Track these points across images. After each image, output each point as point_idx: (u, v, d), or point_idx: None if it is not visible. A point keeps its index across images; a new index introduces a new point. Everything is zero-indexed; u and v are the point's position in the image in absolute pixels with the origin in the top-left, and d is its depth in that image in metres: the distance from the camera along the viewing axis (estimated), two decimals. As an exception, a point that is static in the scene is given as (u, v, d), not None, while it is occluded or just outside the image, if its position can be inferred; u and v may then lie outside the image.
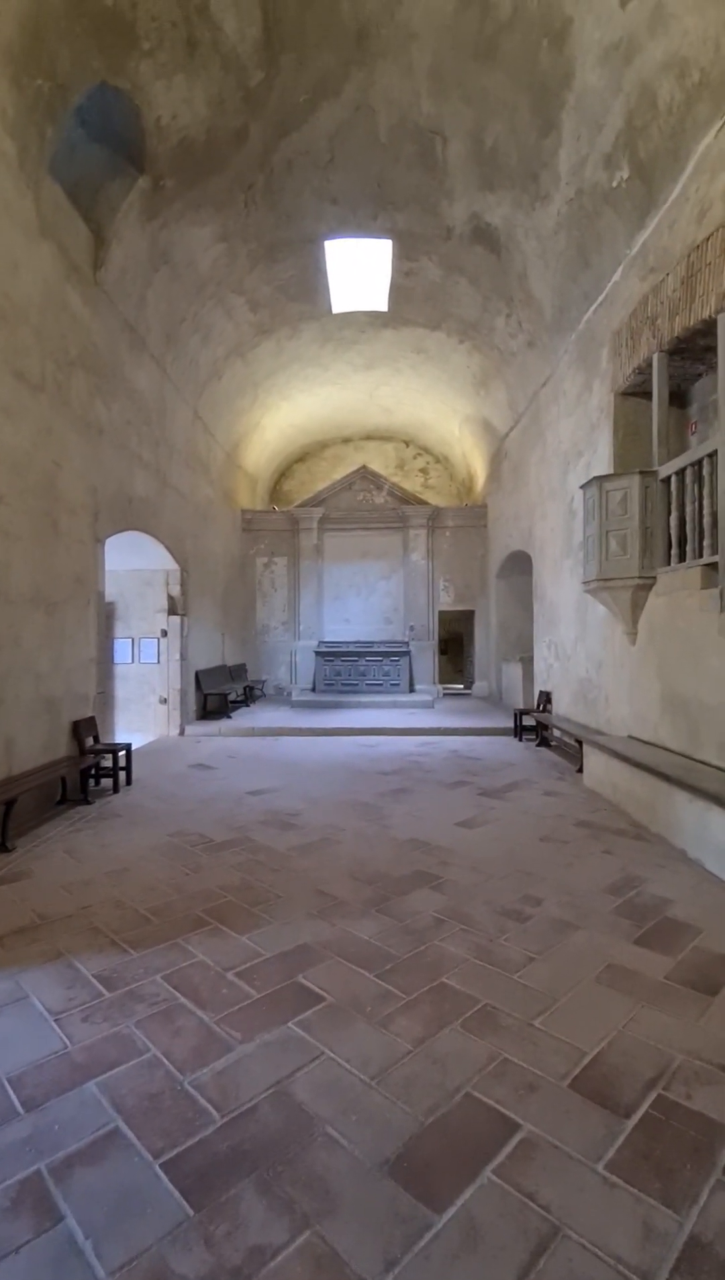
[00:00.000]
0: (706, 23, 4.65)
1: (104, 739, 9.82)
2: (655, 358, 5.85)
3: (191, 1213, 1.70)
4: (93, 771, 6.28)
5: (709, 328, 5.16)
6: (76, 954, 3.08)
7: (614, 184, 6.19)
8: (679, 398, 6.55)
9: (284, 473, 17.33)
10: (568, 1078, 2.21)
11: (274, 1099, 2.11)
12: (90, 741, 6.48)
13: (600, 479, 6.15)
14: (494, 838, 4.85)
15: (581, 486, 6.61)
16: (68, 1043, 2.41)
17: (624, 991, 2.74)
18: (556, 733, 8.74)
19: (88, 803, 5.86)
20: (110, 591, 9.71)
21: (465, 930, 3.30)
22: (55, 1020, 2.55)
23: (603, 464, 7.06)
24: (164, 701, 9.87)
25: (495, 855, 4.46)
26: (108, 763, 6.50)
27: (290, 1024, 2.52)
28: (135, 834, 4.96)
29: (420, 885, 3.92)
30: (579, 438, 7.93)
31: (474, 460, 14.44)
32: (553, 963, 2.98)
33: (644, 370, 6.21)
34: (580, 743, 6.92)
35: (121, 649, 9.95)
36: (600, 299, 7.16)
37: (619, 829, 5.04)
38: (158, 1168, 1.84)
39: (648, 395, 6.47)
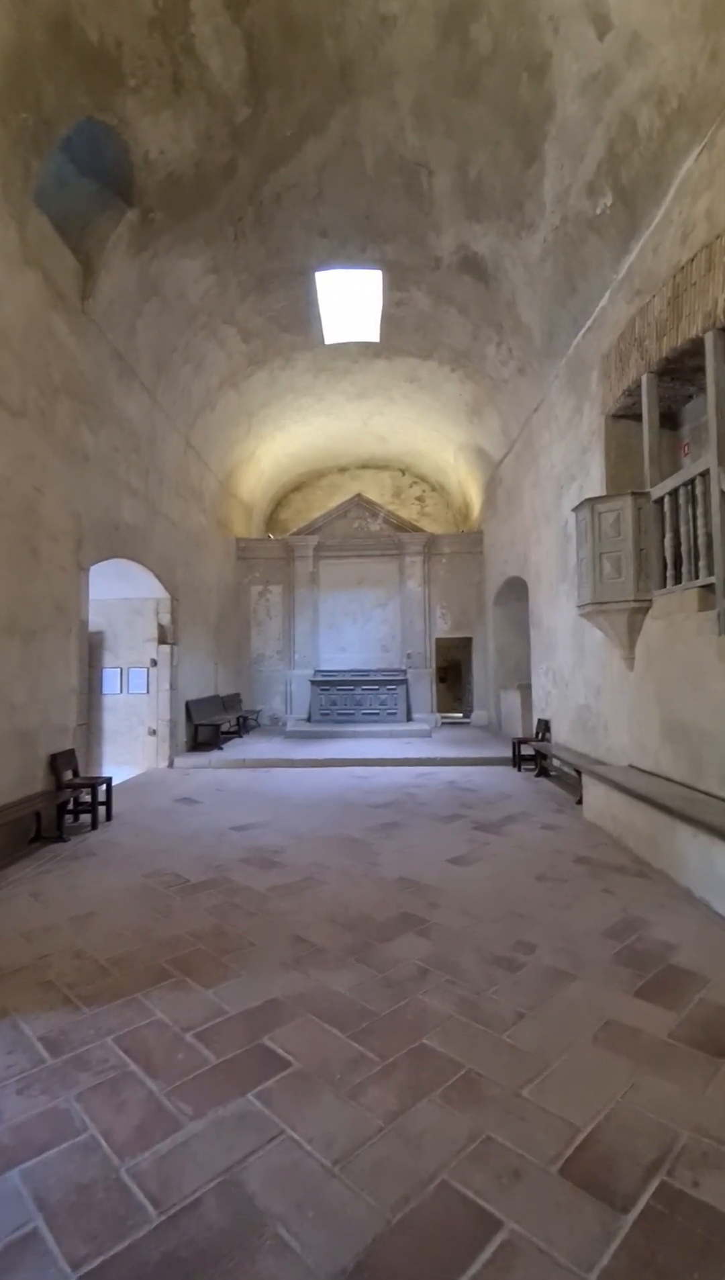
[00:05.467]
0: (683, 51, 4.68)
1: (91, 771, 9.57)
2: (644, 379, 5.78)
3: (108, 1343, 1.44)
4: (71, 807, 6.03)
5: (696, 347, 5.09)
6: (23, 1012, 2.81)
7: (598, 211, 6.21)
8: (670, 419, 6.47)
9: (280, 502, 17.36)
10: (558, 1161, 1.94)
11: (221, 1191, 1.85)
12: (69, 775, 6.24)
13: (592, 501, 6.03)
14: (487, 876, 4.57)
15: (574, 509, 6.49)
16: (-2, 1119, 2.15)
17: (623, 1053, 2.47)
18: (556, 762, 8.47)
19: (63, 840, 5.60)
20: (98, 621, 9.58)
21: (451, 982, 3.03)
22: (-11, 1092, 2.29)
23: (595, 487, 6.96)
24: (153, 733, 9.63)
25: (488, 896, 4.18)
26: (91, 798, 6.24)
27: (249, 1095, 2.25)
28: (107, 875, 4.70)
29: (405, 930, 3.65)
30: (571, 461, 7.85)
31: (469, 487, 14.44)
32: (545, 1020, 2.71)
33: (634, 392, 6.14)
34: (580, 773, 6.67)
35: (110, 679, 9.76)
36: (588, 323, 7.15)
37: (619, 865, 4.77)
38: (77, 1281, 1.58)
39: (638, 418, 6.39)
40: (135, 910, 3.99)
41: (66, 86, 5.36)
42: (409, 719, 13.21)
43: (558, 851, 5.15)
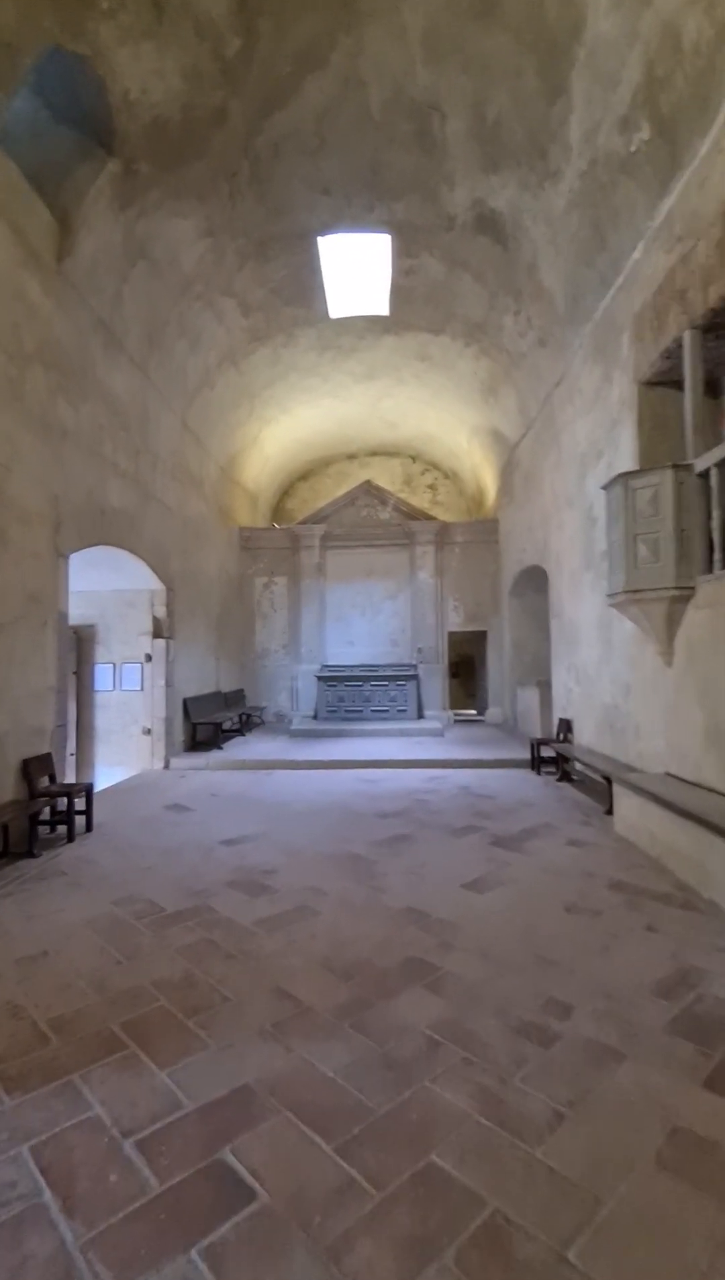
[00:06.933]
0: (742, -64, 3.97)
1: (83, 774, 9.08)
2: (687, 336, 5.08)
3: None
4: (46, 817, 5.48)
5: (753, 293, 4.39)
6: (-72, 1101, 2.24)
7: (632, 148, 5.49)
8: (710, 386, 5.74)
9: (287, 491, 16.75)
10: None
11: None
12: (45, 782, 5.69)
13: (626, 476, 5.35)
14: (508, 906, 3.95)
15: (603, 487, 5.81)
16: None
17: (701, 1185, 1.84)
18: (579, 766, 7.81)
19: (33, 856, 5.05)
20: (90, 613, 9.05)
21: (468, 1061, 2.42)
22: None
23: (626, 462, 6.26)
24: (148, 732, 9.09)
25: (510, 933, 3.56)
26: (68, 807, 5.68)
27: (194, 1252, 1.65)
28: (73, 901, 4.13)
29: (413, 981, 3.04)
30: (598, 437, 7.15)
31: (484, 474, 13.72)
32: (591, 1124, 2.09)
33: (672, 353, 5.44)
34: (608, 779, 6.01)
35: (102, 675, 9.23)
36: (619, 281, 6.44)
37: (662, 893, 4.12)
38: None
39: (675, 384, 5.71)
40: (96, 949, 3.41)
41: (28, 6, 4.74)
42: (420, 717, 12.60)
43: (588, 874, 4.51)
